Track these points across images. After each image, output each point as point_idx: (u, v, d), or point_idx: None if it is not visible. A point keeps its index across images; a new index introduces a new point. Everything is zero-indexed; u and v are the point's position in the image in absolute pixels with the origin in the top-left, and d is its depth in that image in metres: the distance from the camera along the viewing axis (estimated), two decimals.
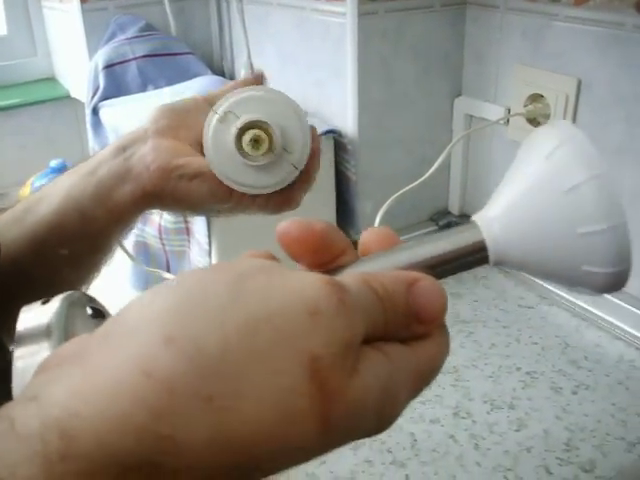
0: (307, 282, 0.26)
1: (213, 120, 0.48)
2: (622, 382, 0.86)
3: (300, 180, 0.51)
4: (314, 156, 0.51)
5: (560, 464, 0.75)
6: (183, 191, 0.50)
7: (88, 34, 1.22)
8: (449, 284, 1.09)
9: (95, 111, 1.20)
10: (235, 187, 0.49)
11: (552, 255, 0.31)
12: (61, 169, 1.27)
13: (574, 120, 0.94)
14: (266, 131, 0.47)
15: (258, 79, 0.56)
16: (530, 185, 0.32)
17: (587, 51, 0.90)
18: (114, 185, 0.50)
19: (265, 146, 0.47)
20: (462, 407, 0.83)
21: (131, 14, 1.25)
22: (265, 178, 0.49)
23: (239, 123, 0.47)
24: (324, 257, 0.32)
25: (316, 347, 0.24)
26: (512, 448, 0.77)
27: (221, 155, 0.48)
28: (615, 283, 0.30)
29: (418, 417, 0.81)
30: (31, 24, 1.42)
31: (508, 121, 1.04)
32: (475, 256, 0.33)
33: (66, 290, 0.50)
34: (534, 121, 1.00)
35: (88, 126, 1.22)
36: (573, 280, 0.31)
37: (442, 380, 0.87)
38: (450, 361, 0.90)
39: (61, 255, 0.50)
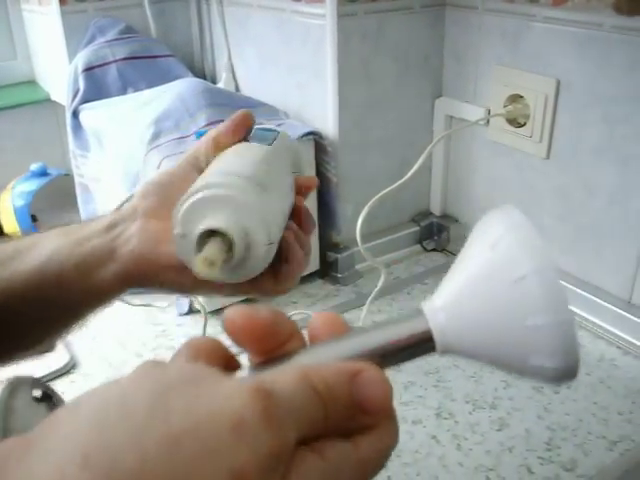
0: (234, 392, 0.25)
1: (174, 233, 0.47)
2: (603, 381, 0.87)
3: (285, 269, 0.49)
4: (291, 251, 0.49)
5: (542, 463, 0.75)
6: (167, 279, 0.49)
7: (67, 37, 1.22)
8: (430, 284, 1.09)
9: (75, 114, 1.19)
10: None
11: (500, 346, 0.31)
12: (41, 173, 1.26)
13: (553, 120, 0.95)
14: (224, 236, 0.44)
15: (247, 119, 0.54)
16: (477, 274, 0.32)
17: (566, 52, 0.91)
18: (97, 263, 0.48)
19: (221, 258, 0.44)
20: (444, 408, 0.83)
21: (111, 16, 1.24)
22: (233, 276, 0.47)
23: (194, 237, 0.45)
24: (270, 344, 0.32)
25: (240, 462, 0.24)
26: (494, 448, 0.77)
27: (189, 256, 0.46)
28: (563, 376, 0.30)
29: (400, 418, 0.80)
30: (10, 27, 1.41)
31: (488, 122, 1.04)
32: (422, 346, 0.32)
33: (30, 344, 0.50)
34: (514, 121, 1.00)
35: (68, 129, 1.21)
36: (522, 371, 0.31)
37: (424, 381, 0.87)
38: (432, 362, 0.90)
39: (33, 314, 0.49)
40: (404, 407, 0.83)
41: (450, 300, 0.32)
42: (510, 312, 0.30)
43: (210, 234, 0.44)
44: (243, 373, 0.31)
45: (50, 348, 0.54)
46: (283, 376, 0.27)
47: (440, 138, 0.98)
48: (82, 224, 0.51)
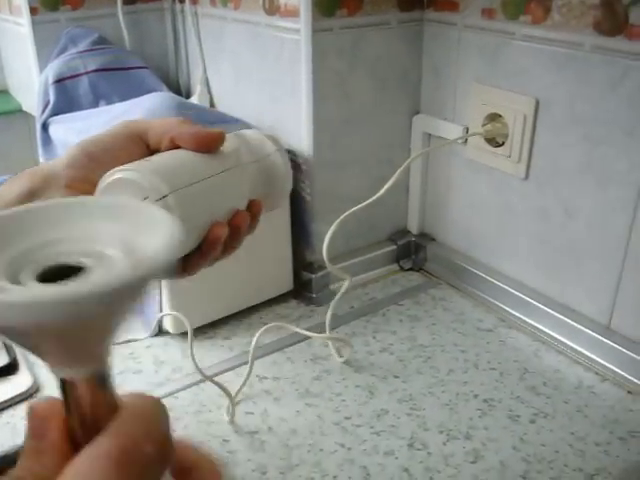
0: None
1: None
2: (581, 409, 0.84)
3: (196, 256, 0.51)
4: (212, 241, 0.51)
5: None
6: None
7: (38, 47, 1.19)
8: (406, 305, 1.06)
9: (45, 127, 1.16)
10: None
11: None
12: None
13: (532, 140, 0.93)
14: None
15: (214, 139, 0.51)
16: None
17: (545, 70, 0.89)
18: None
19: None
20: (417, 438, 0.80)
21: (84, 27, 1.21)
22: None
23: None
24: None
25: None
26: None
27: None
28: None
29: (371, 449, 0.79)
30: None
31: (466, 140, 1.02)
32: None
33: None
34: (492, 141, 0.98)
35: (38, 142, 1.18)
36: None
37: (397, 409, 0.85)
38: (406, 389, 0.88)
39: None
40: (376, 437, 0.80)
41: None
42: None
43: None
44: None
45: None
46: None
47: (416, 156, 0.95)
48: None
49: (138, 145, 0.51)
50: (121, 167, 0.47)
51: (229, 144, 0.54)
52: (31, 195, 0.47)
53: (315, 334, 0.94)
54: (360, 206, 0.89)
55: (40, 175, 0.48)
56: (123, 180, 0.46)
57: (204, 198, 0.50)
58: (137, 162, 0.48)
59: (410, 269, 1.17)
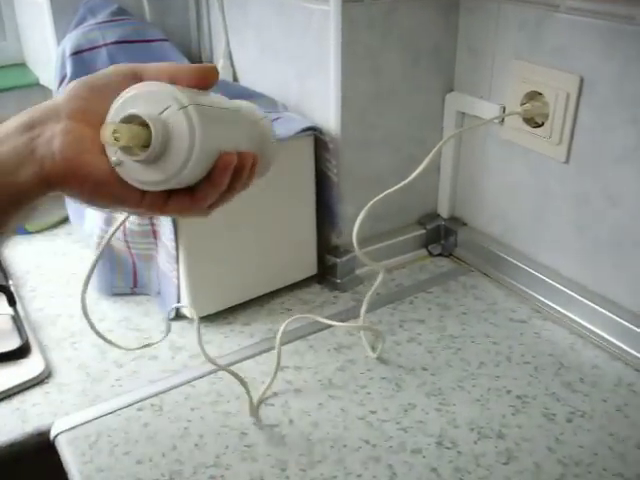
0: None
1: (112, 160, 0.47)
2: (620, 409, 0.79)
3: (204, 186, 0.49)
4: (222, 167, 0.49)
5: None
6: (88, 193, 0.47)
7: (56, 18, 1.14)
8: (435, 293, 1.02)
9: None
10: (129, 182, 0.47)
11: None
12: None
13: (574, 121, 0.87)
14: (143, 124, 0.45)
15: (209, 72, 0.50)
16: None
17: (591, 46, 0.83)
18: (16, 165, 0.46)
19: (137, 141, 0.45)
20: (446, 435, 0.76)
21: None
22: (154, 174, 0.46)
23: (115, 122, 0.46)
24: None
25: None
26: None
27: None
28: None
29: (398, 446, 0.74)
30: (0, 6, 1.34)
31: (503, 120, 0.96)
32: None
33: None
34: (531, 121, 0.92)
35: None
36: None
37: (425, 404, 0.80)
38: (435, 382, 0.83)
39: None
40: (403, 434, 0.76)
41: None
42: None
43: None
44: None
45: None
46: None
47: (450, 137, 0.90)
48: None
49: (138, 81, 0.49)
50: (138, 84, 0.47)
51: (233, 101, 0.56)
52: (31, 126, 0.46)
53: (346, 324, 0.89)
54: (391, 190, 0.84)
55: (42, 108, 0.47)
56: (142, 93, 0.46)
57: (219, 123, 0.50)
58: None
59: (439, 255, 1.11)
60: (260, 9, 1.07)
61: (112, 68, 0.50)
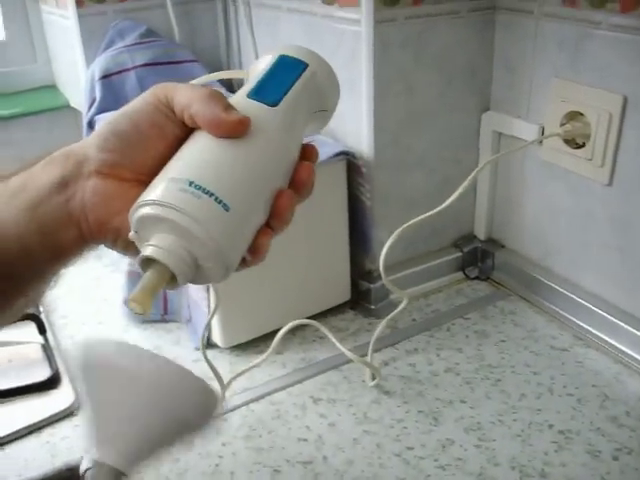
0: None
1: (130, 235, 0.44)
2: None
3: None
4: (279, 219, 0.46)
5: None
6: (122, 248, 0.46)
7: (85, 41, 1.13)
8: (473, 319, 0.98)
9: (91, 125, 1.11)
10: None
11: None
12: None
13: (618, 142, 0.83)
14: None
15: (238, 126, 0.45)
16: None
17: (634, 64, 0.79)
18: (57, 228, 0.45)
19: (153, 294, 0.41)
20: (487, 474, 0.73)
21: (131, 19, 1.16)
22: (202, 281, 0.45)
23: (138, 259, 0.42)
24: None
25: None
26: None
27: None
28: None
29: None
30: (30, 29, 1.33)
31: (542, 141, 0.93)
32: None
33: None
34: (572, 142, 0.89)
35: None
36: None
37: (464, 440, 0.77)
38: (474, 416, 0.80)
39: None
40: (441, 472, 0.73)
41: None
42: None
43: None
44: None
45: (14, 318, 0.50)
46: None
47: (487, 162, 0.86)
48: (25, 176, 0.46)
49: (167, 117, 0.46)
50: (152, 198, 0.42)
51: None
52: (64, 183, 0.45)
53: (355, 356, 0.86)
54: (425, 216, 0.82)
55: (72, 160, 0.46)
56: (150, 217, 0.42)
57: (253, 182, 0.44)
58: (160, 177, 0.43)
59: (476, 278, 1.08)
60: (290, 28, 1.05)
61: (147, 98, 0.47)
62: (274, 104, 0.47)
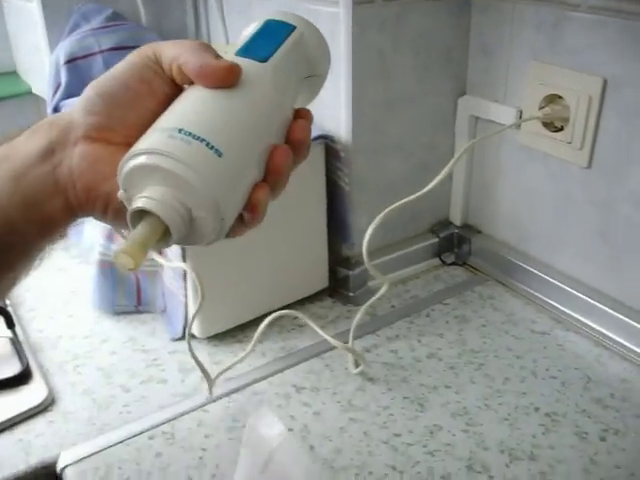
0: None
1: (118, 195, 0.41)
2: None
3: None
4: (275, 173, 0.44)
5: None
6: (112, 217, 0.44)
7: (48, 24, 1.09)
8: (452, 304, 0.98)
9: (57, 110, 1.07)
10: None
11: None
12: None
13: (597, 125, 0.83)
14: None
15: (231, 73, 0.43)
16: None
17: (614, 46, 0.79)
18: (43, 199, 0.43)
19: (155, 239, 0.39)
20: (476, 458, 0.72)
21: (97, 2, 1.12)
22: (193, 241, 0.42)
23: (128, 214, 0.40)
24: None
25: None
26: None
27: None
28: None
29: (426, 472, 0.70)
30: None
31: (520, 124, 0.92)
32: None
33: None
34: (550, 125, 0.89)
35: None
36: None
37: (452, 425, 0.76)
38: (460, 401, 0.79)
39: None
40: (430, 458, 0.72)
41: None
42: None
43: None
44: None
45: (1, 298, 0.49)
46: None
47: (465, 149, 0.85)
48: (7, 148, 0.43)
49: (156, 73, 0.44)
50: (136, 146, 0.40)
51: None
52: (51, 151, 0.43)
53: (339, 343, 0.84)
54: (405, 200, 0.80)
55: (58, 127, 0.44)
56: (141, 169, 0.40)
57: (246, 131, 0.42)
58: (152, 129, 0.41)
59: (453, 263, 1.08)
60: (263, 13, 1.02)
61: (132, 58, 0.45)
62: (264, 60, 0.46)
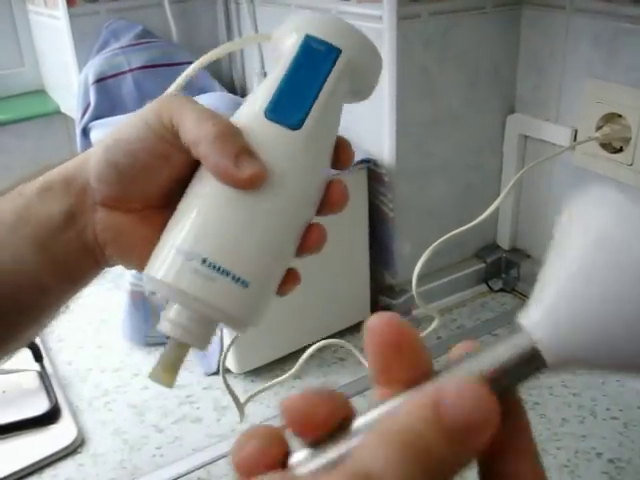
0: None
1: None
2: None
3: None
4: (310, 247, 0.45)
5: None
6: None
7: (77, 43, 1.06)
8: (501, 335, 0.92)
9: (86, 132, 1.04)
10: None
11: (630, 343, 0.24)
12: None
13: None
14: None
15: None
16: (583, 266, 0.25)
17: None
18: (73, 262, 0.43)
19: (177, 366, 0.41)
20: None
21: (126, 19, 1.08)
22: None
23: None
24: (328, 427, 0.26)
25: None
26: None
27: None
28: None
29: None
30: (17, 31, 1.25)
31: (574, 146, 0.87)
32: (528, 366, 0.25)
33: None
34: (608, 146, 0.83)
35: (79, 149, 1.06)
36: None
37: None
38: None
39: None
40: None
41: (554, 303, 0.25)
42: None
43: None
44: (300, 454, 0.26)
45: (22, 346, 0.48)
46: (365, 452, 0.22)
47: (520, 174, 0.80)
48: (22, 207, 0.42)
49: (173, 145, 0.40)
50: (161, 278, 0.39)
51: None
52: (70, 216, 0.42)
53: None
54: (455, 232, 0.75)
55: (74, 190, 0.42)
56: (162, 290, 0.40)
57: (275, 244, 0.40)
58: (162, 243, 0.40)
59: (501, 290, 1.02)
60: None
61: (149, 122, 0.40)
62: (297, 126, 0.39)
